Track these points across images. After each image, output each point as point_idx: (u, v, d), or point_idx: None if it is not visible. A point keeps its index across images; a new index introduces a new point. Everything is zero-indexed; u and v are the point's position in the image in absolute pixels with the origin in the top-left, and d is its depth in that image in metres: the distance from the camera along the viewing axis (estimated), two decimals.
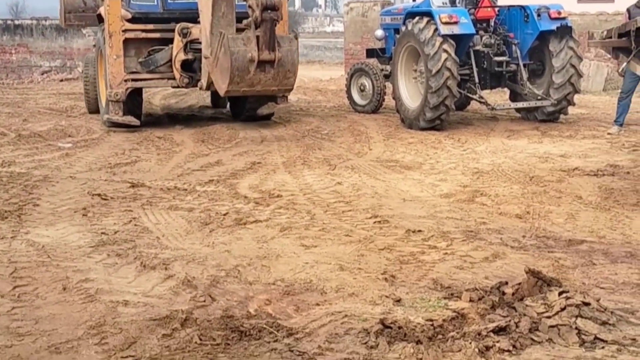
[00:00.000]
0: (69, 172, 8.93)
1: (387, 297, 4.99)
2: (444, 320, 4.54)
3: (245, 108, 13.01)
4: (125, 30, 11.92)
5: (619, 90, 12.52)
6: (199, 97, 15.81)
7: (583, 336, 4.29)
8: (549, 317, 4.41)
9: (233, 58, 10.04)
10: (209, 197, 7.71)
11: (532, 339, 4.27)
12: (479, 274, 5.50)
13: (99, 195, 7.76)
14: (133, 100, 12.24)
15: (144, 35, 12.13)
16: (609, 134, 11.72)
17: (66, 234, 6.45)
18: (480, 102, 12.68)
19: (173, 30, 11.85)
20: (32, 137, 11.53)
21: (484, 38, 12.70)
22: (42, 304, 4.89)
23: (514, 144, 10.98)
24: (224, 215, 7.01)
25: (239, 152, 10.34)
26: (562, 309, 4.45)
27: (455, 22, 11.80)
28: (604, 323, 4.43)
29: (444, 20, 11.70)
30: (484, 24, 12.94)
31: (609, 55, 11.98)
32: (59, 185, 8.24)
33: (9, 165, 9.26)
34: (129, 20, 11.99)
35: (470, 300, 4.83)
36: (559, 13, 12.34)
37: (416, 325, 4.44)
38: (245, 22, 10.21)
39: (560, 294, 4.60)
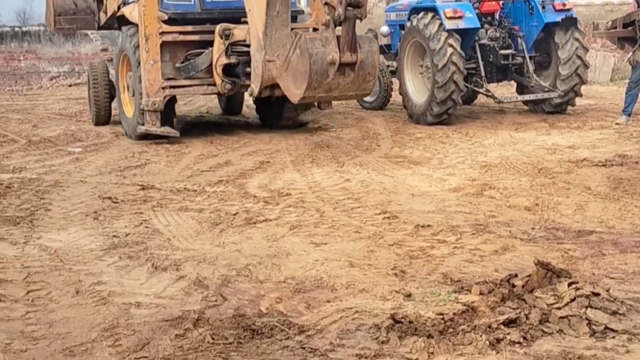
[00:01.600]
0: (79, 177, 8.98)
1: (397, 292, 5.02)
2: (454, 313, 4.56)
3: (282, 115, 12.04)
4: (162, 33, 10.88)
5: (627, 80, 12.49)
6: (206, 99, 15.85)
7: (593, 326, 4.30)
8: (559, 309, 4.43)
9: (312, 61, 9.08)
10: (219, 198, 7.75)
11: (542, 331, 4.29)
12: (488, 267, 5.52)
13: (109, 198, 7.81)
14: (167, 109, 11.16)
15: (182, 38, 11.11)
16: (617, 124, 11.70)
17: (78, 237, 6.50)
18: (487, 95, 12.70)
19: (212, 32, 10.91)
20: (43, 142, 11.59)
21: (489, 31, 12.71)
22: (56, 308, 4.94)
23: (521, 136, 10.98)
24: (234, 215, 7.04)
25: (247, 151, 10.38)
26: (572, 300, 4.46)
27: (460, 17, 11.81)
28: (614, 313, 4.44)
29: (448, 15, 11.72)
30: (489, 18, 12.95)
31: (615, 46, 11.93)
32: (70, 190, 8.29)
33: (20, 172, 9.33)
34: (165, 22, 11.03)
35: (481, 294, 4.85)
36: (564, 5, 12.33)
37: (427, 319, 4.47)
38: (323, 20, 9.28)
39: (570, 285, 4.61)
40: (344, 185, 8.21)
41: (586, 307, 4.41)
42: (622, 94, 12.50)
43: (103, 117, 13.15)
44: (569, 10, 12.36)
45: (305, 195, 7.77)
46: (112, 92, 12.91)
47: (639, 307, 4.62)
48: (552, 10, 12.30)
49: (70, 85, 21.71)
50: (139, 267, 5.67)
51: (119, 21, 12.42)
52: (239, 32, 10.73)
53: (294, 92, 9.56)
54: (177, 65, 11.14)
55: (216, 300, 4.95)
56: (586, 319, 4.34)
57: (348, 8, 8.89)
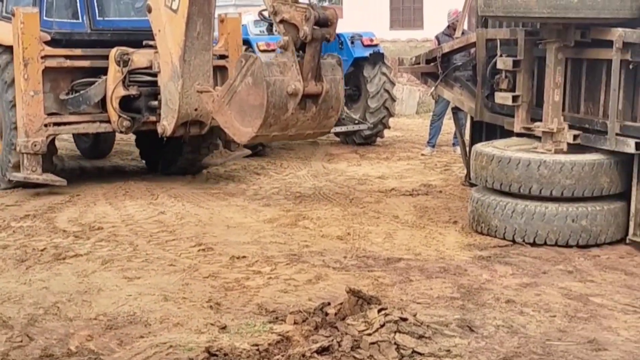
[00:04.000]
0: None
1: (212, 324, 4.99)
2: (269, 344, 4.59)
3: (178, 158, 10.23)
4: (44, 57, 8.97)
5: (431, 113, 13.17)
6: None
7: (402, 350, 4.47)
8: (369, 335, 4.57)
9: (269, 91, 7.45)
10: (25, 233, 7.40)
11: (354, 357, 4.40)
12: (302, 296, 5.60)
13: None
14: (48, 152, 9.20)
15: (68, 63, 9.22)
16: (422, 155, 12.28)
17: None
18: None
19: (106, 57, 9.15)
20: None
21: None
22: None
23: (334, 167, 11.28)
24: (42, 250, 6.75)
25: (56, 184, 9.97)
26: (382, 326, 4.62)
27: (274, 50, 12.00)
28: (420, 337, 4.64)
29: (261, 48, 11.90)
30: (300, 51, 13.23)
31: (419, 80, 12.55)
32: None
33: None
34: (47, 43, 9.09)
35: (295, 323, 4.92)
36: (371, 40, 12.85)
37: (242, 351, 4.47)
38: (278, 42, 7.82)
39: (379, 311, 4.77)
40: (159, 217, 8.09)
41: (395, 332, 4.58)
42: (427, 126, 13.16)
43: None
44: (376, 45, 12.90)
45: (118, 229, 7.58)
46: None
47: (444, 330, 4.86)
48: (360, 45, 12.77)
49: None
50: None
51: None
52: (139, 57, 9.14)
53: (242, 130, 7.80)
54: (62, 97, 9.24)
55: (21, 341, 4.71)
56: (395, 343, 4.50)
57: (315, 27, 7.50)
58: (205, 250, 6.80)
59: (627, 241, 7.05)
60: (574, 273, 6.23)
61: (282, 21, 7.60)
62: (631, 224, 7.02)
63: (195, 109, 8.93)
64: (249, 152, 10.53)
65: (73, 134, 11.42)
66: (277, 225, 7.77)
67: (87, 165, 11.46)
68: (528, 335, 4.86)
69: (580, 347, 4.67)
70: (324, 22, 7.54)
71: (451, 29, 11.85)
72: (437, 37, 12.23)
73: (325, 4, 34.56)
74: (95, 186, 9.72)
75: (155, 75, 9.15)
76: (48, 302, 5.41)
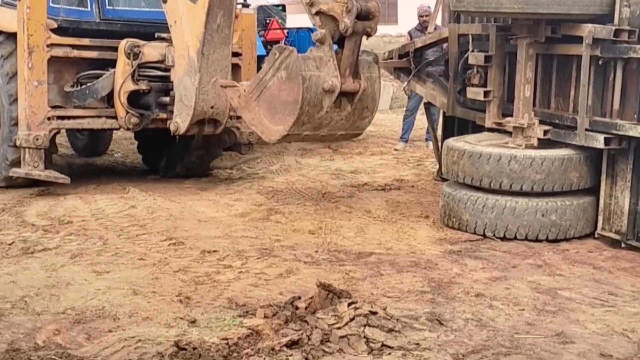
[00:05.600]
0: None
1: (182, 319, 4.97)
2: (239, 338, 4.58)
3: (184, 159, 9.78)
4: (51, 45, 8.53)
5: (405, 109, 13.20)
6: None
7: (371, 344, 4.47)
8: (339, 328, 4.57)
9: (305, 87, 6.83)
10: None
11: (323, 350, 4.40)
12: (273, 290, 5.59)
13: None
14: (48, 150, 8.79)
15: (75, 53, 8.76)
16: (395, 150, 12.31)
17: None
18: None
19: (114, 49, 8.74)
20: None
21: None
22: None
23: (307, 162, 11.27)
24: (10, 244, 6.67)
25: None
26: (351, 319, 4.62)
27: None
28: (390, 330, 4.65)
29: None
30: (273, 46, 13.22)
31: (392, 76, 12.58)
32: None
33: None
34: (53, 31, 8.60)
35: (265, 317, 4.91)
36: None
37: (211, 345, 4.45)
38: (317, 35, 7.08)
39: (349, 305, 4.78)
40: (129, 211, 8.03)
41: (364, 326, 4.58)
42: (400, 122, 13.19)
43: None
44: None
45: (88, 223, 7.51)
46: None
47: (413, 324, 4.87)
48: None
49: None
50: None
51: None
52: (150, 50, 8.68)
53: (271, 128, 7.13)
54: (67, 89, 8.83)
55: None
56: (364, 337, 4.51)
57: (355, 20, 6.98)
58: (175, 245, 6.76)
59: (596, 235, 7.12)
60: (543, 267, 6.27)
61: (318, 12, 7.04)
62: (600, 218, 7.09)
63: (212, 107, 8.43)
64: (260, 155, 10.10)
65: (67, 131, 11.07)
66: (248, 219, 7.75)
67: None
68: (497, 328, 4.89)
69: (547, 340, 4.70)
70: (366, 15, 7.01)
71: (422, 24, 11.91)
72: (409, 33, 12.26)
73: None
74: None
75: (166, 70, 8.72)
76: (15, 296, 5.35)
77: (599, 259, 6.53)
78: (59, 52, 8.64)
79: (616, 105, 6.85)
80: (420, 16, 12.08)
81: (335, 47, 7.12)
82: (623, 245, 6.83)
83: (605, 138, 6.80)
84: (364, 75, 7.23)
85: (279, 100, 7.01)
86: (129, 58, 8.63)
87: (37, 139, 8.42)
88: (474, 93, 7.95)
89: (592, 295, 5.59)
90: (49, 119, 8.59)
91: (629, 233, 6.82)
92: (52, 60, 8.61)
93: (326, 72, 6.96)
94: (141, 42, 8.72)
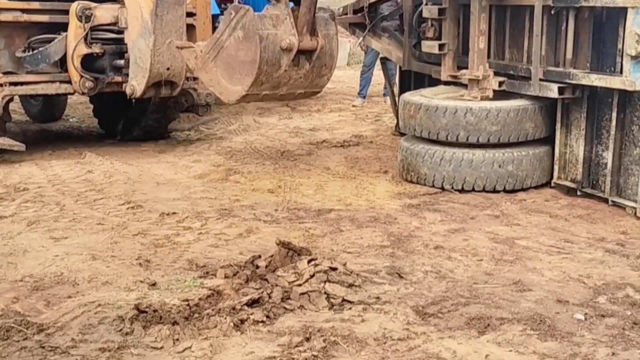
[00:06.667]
0: None
1: (142, 282, 4.94)
2: (199, 299, 4.57)
3: (140, 122, 9.67)
4: (0, 10, 8.39)
5: (362, 64, 13.16)
6: None
7: (332, 300, 4.50)
8: (299, 285, 4.59)
9: (262, 46, 6.78)
10: None
11: (284, 308, 4.42)
12: (233, 250, 5.59)
13: None
14: (1, 118, 8.71)
15: (25, 17, 8.53)
16: (353, 106, 12.30)
17: None
18: None
19: (66, 12, 8.51)
20: None
21: None
22: None
23: (265, 120, 11.22)
24: None
25: None
26: (312, 276, 4.64)
27: None
28: (350, 285, 4.68)
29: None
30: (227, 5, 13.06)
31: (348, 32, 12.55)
32: None
33: None
34: None
35: (225, 277, 4.91)
36: None
37: (172, 306, 4.44)
38: None
39: (309, 262, 4.79)
40: (86, 176, 7.94)
41: (324, 282, 4.61)
42: (357, 78, 13.16)
43: None
44: None
45: (45, 189, 7.42)
46: None
47: (373, 278, 4.91)
48: None
49: None
50: None
51: None
52: (102, 12, 8.49)
53: (230, 88, 7.08)
54: (18, 54, 8.64)
55: None
56: (325, 293, 4.54)
57: None
58: (134, 208, 6.71)
59: (552, 184, 7.21)
60: (501, 217, 6.35)
61: None
62: (556, 167, 7.18)
63: (168, 68, 8.31)
64: (218, 116, 10.02)
65: (21, 97, 10.87)
66: (207, 180, 7.72)
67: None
68: (456, 279, 4.95)
69: (505, 289, 4.77)
70: None
71: None
72: None
73: None
74: None
75: (120, 32, 8.53)
76: None
77: (555, 208, 6.62)
78: (8, 16, 8.46)
79: (569, 55, 6.90)
80: None
81: (291, 4, 7.07)
82: (579, 193, 6.93)
83: (559, 87, 6.85)
84: (321, 33, 7.16)
85: (236, 60, 6.94)
86: (80, 21, 8.44)
87: None
88: (429, 46, 7.95)
89: (548, 243, 5.68)
90: (1, 85, 8.46)
91: (584, 181, 6.92)
92: (2, 25, 8.45)
93: (283, 30, 6.89)
94: (93, 4, 8.55)
